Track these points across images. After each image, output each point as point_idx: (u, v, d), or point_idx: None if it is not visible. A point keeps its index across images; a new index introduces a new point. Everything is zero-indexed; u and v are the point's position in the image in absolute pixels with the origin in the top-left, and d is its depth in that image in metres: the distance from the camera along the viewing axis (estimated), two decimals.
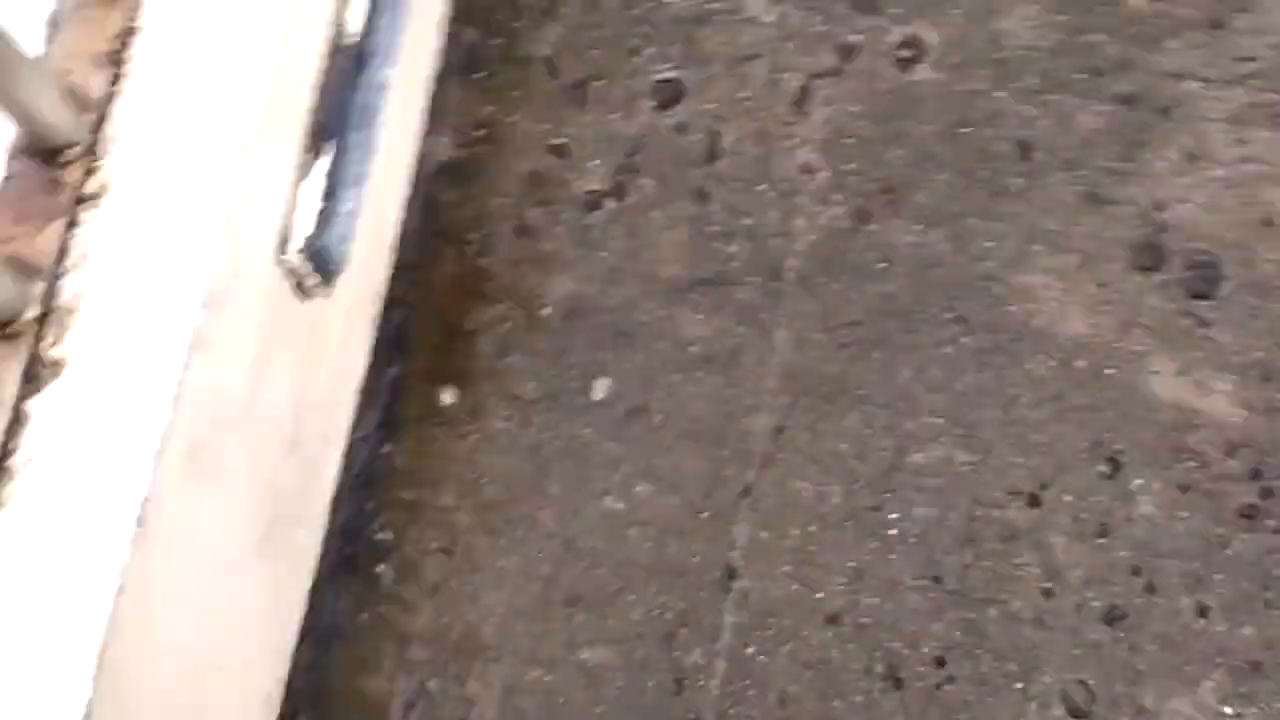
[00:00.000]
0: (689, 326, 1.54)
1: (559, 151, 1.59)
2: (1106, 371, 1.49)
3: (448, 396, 1.55)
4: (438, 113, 1.62)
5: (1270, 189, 1.51)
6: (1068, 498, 1.45)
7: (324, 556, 1.50)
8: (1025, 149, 1.55)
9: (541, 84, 1.63)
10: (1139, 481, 1.45)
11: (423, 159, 1.61)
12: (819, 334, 1.53)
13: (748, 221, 1.56)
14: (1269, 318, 1.49)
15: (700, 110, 1.60)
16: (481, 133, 1.61)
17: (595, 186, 1.58)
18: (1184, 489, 1.44)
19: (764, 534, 1.49)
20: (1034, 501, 1.45)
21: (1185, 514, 1.44)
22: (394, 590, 1.51)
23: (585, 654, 1.48)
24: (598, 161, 1.59)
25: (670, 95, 1.60)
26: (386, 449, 1.54)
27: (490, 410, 1.55)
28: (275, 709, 1.44)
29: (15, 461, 0.99)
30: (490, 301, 1.57)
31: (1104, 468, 1.46)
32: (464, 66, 1.63)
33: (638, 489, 1.51)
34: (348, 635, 1.49)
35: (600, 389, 1.54)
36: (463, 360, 1.57)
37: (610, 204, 1.57)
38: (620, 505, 1.51)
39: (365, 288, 1.55)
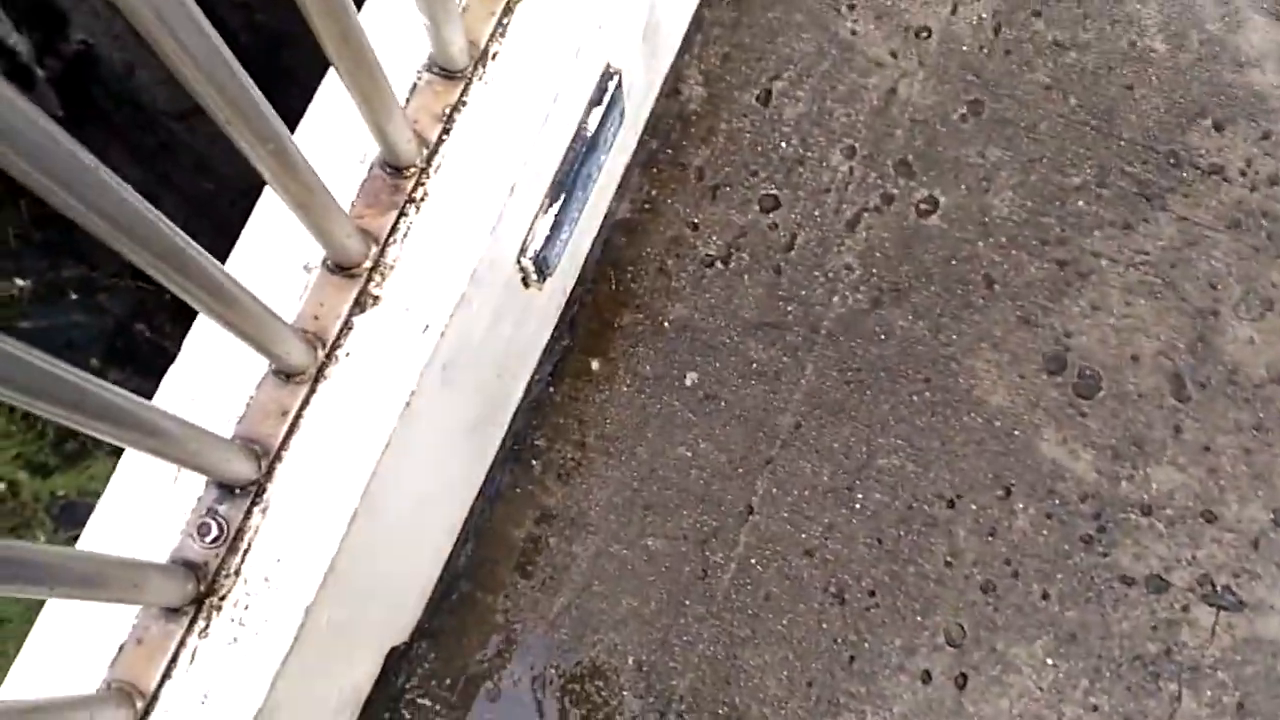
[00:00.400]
0: (752, 351, 1.64)
1: (693, 227, 1.70)
2: (1014, 431, 1.60)
3: (595, 364, 1.65)
4: (623, 187, 1.71)
5: (1141, 338, 1.62)
6: (973, 507, 1.58)
7: (501, 446, 1.61)
8: (989, 281, 1.66)
9: (691, 182, 1.71)
10: (1020, 505, 1.57)
11: (609, 214, 1.69)
12: (834, 372, 1.63)
13: (803, 293, 1.66)
14: (1124, 419, 1.59)
15: (787, 217, 1.69)
16: (648, 205, 1.71)
17: (712, 253, 1.68)
18: (1049, 516, 1.57)
19: (775, 490, 1.60)
20: (950, 505, 1.58)
21: (1046, 532, 1.57)
22: (539, 477, 1.61)
23: (649, 541, 1.59)
24: (716, 237, 1.69)
25: (770, 204, 1.70)
26: (551, 389, 1.65)
27: (620, 378, 1.64)
28: (454, 536, 1.57)
29: (340, 353, 1.10)
30: (632, 310, 1.66)
31: (1000, 492, 1.58)
32: (645, 163, 1.72)
33: (701, 446, 1.61)
34: (506, 499, 1.60)
35: (690, 379, 1.64)
36: (608, 344, 1.66)
37: (719, 265, 1.67)
38: (688, 454, 1.61)
39: (559, 287, 1.61)
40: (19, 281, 3.74)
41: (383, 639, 1.45)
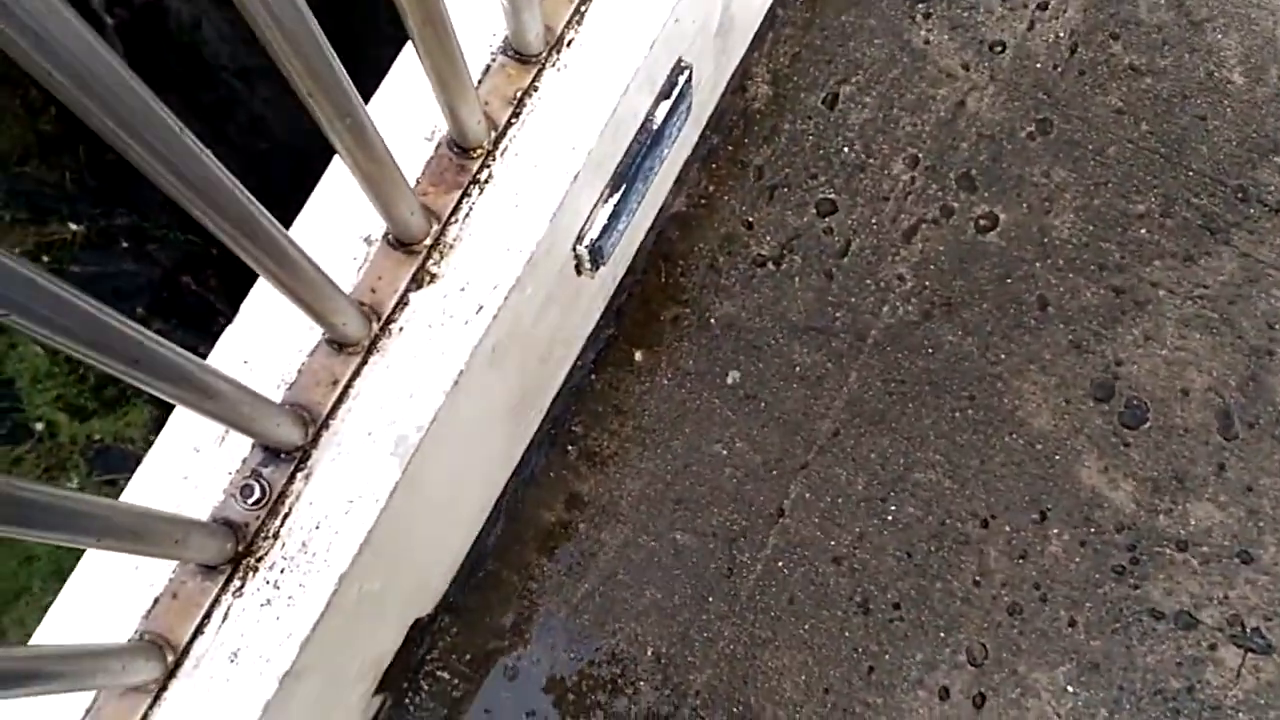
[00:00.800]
0: (797, 354, 1.64)
1: (747, 225, 1.69)
2: (1055, 456, 1.59)
3: (638, 355, 1.65)
4: (681, 181, 1.70)
5: (1193, 372, 1.60)
6: (1007, 528, 1.57)
7: (539, 429, 1.61)
8: (1043, 303, 1.64)
9: (749, 180, 1.71)
10: (1055, 531, 1.56)
11: (664, 206, 1.69)
12: (878, 382, 1.62)
13: (853, 300, 1.65)
14: (1168, 453, 1.57)
15: (843, 223, 1.68)
16: (704, 201, 1.70)
17: (764, 253, 1.68)
18: (1083, 544, 1.56)
19: (808, 495, 1.59)
20: (984, 525, 1.57)
21: (1078, 560, 1.55)
22: (574, 463, 1.62)
23: (677, 535, 1.59)
24: (770, 238, 1.68)
25: (827, 208, 1.69)
26: (593, 377, 1.65)
27: (661, 371, 1.64)
28: (485, 515, 1.58)
29: (394, 327, 1.11)
30: (679, 305, 1.66)
31: (1035, 516, 1.57)
32: (704, 157, 1.71)
33: (737, 445, 1.61)
34: (539, 482, 1.61)
35: (732, 378, 1.63)
36: (653, 336, 1.66)
37: (771, 266, 1.67)
38: (724, 451, 1.61)
39: (609, 276, 1.61)
40: (72, 226, 3.80)
41: (408, 610, 1.46)
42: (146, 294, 3.48)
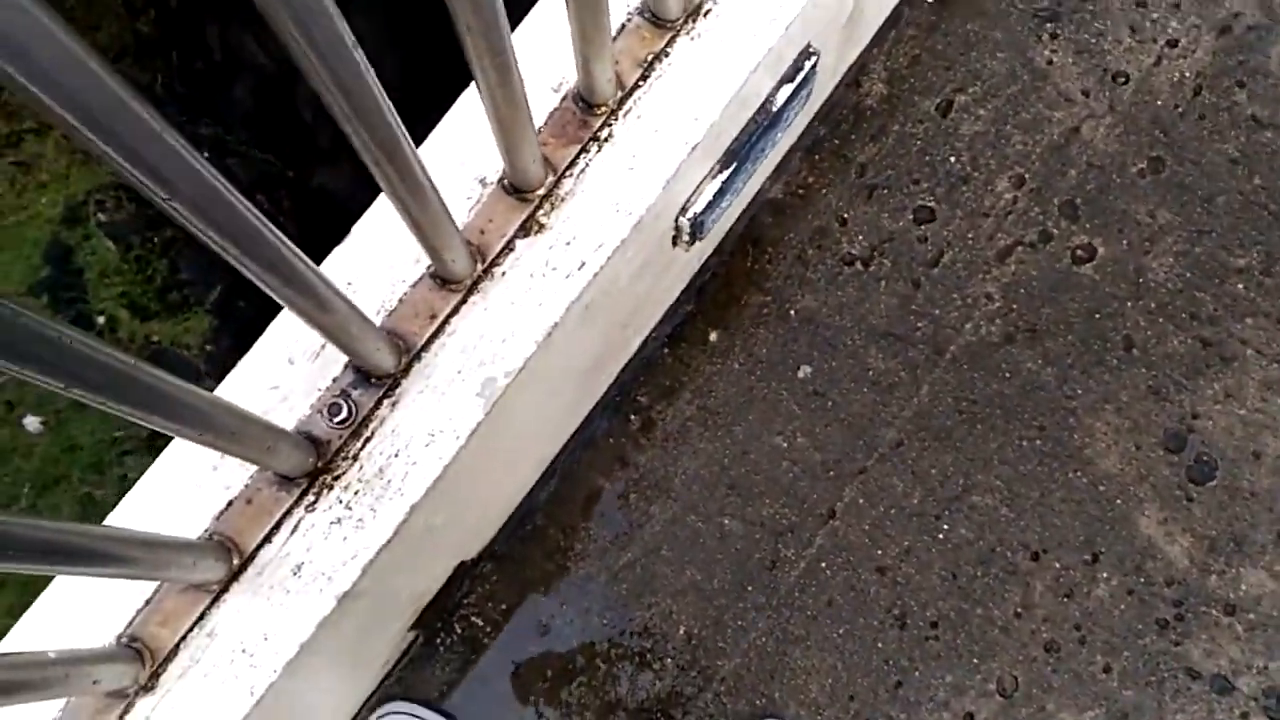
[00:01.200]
0: (871, 358, 1.64)
1: (841, 222, 1.69)
2: (1116, 500, 1.59)
3: (713, 335, 1.66)
4: (781, 168, 1.70)
5: (1268, 437, 1.59)
6: (1056, 565, 1.57)
7: (605, 393, 1.62)
8: (1129, 344, 1.64)
9: (850, 177, 1.70)
10: (1104, 575, 1.56)
11: (761, 191, 1.68)
12: (949, 398, 1.63)
13: (937, 312, 1.65)
14: (1230, 514, 1.57)
15: (939, 233, 1.68)
16: (801, 190, 1.71)
17: (854, 252, 1.68)
18: (1130, 592, 1.56)
19: (861, 501, 1.60)
20: (1034, 558, 1.58)
21: (1124, 607, 1.56)
22: (634, 433, 1.63)
23: (725, 521, 1.60)
24: (862, 238, 1.68)
25: (924, 216, 1.69)
26: (665, 350, 1.66)
27: (734, 355, 1.65)
28: (541, 470, 1.60)
29: (497, 270, 1.13)
30: (761, 292, 1.67)
31: (1087, 556, 1.57)
32: (809, 148, 1.71)
33: (798, 440, 1.62)
34: (598, 446, 1.63)
35: (803, 372, 1.64)
36: (731, 317, 1.67)
37: (859, 266, 1.67)
38: (784, 444, 1.62)
39: (698, 253, 1.60)
40: None
41: (457, 551, 1.49)
42: None
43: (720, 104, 1.20)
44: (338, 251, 1.13)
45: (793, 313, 1.69)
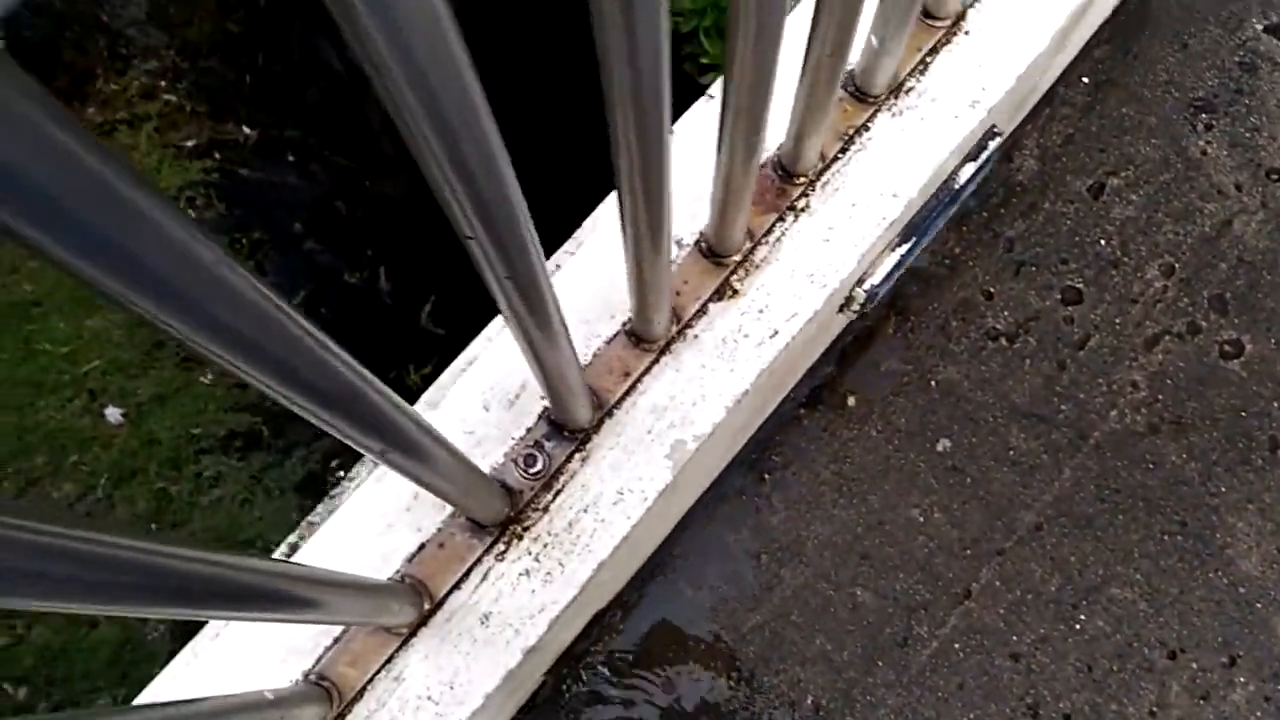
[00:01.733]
0: (1014, 437, 1.64)
1: (987, 295, 1.70)
2: (1257, 604, 1.57)
3: (851, 400, 1.66)
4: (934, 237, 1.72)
5: None
6: (1194, 665, 1.55)
7: (741, 450, 1.62)
8: (1275, 444, 1.63)
9: (998, 251, 1.71)
10: (1242, 679, 1.54)
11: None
12: (1091, 485, 1.62)
13: (1081, 396, 1.65)
14: None
15: (1086, 316, 1.68)
16: (948, 260, 1.72)
17: (999, 327, 1.68)
18: (1267, 699, 1.53)
19: (998, 583, 1.59)
20: (1172, 656, 1.56)
21: (1259, 714, 1.53)
22: (768, 493, 1.62)
23: (857, 591, 1.59)
24: (1008, 313, 1.68)
25: (1072, 297, 1.69)
26: (802, 411, 1.66)
27: (872, 422, 1.65)
28: (673, 523, 1.58)
29: (690, 333, 1.14)
30: (903, 360, 1.67)
31: (1225, 659, 1.55)
32: (958, 219, 1.72)
33: (935, 515, 1.62)
34: (731, 502, 1.61)
35: (942, 445, 1.64)
36: (870, 384, 1.67)
37: (1003, 342, 1.67)
38: (920, 518, 1.62)
39: (844, 317, 1.55)
40: (245, 130, 3.91)
41: (599, 602, 1.49)
42: (306, 208, 3.58)
43: (919, 183, 1.22)
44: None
45: (934, 383, 1.68)
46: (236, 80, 4.16)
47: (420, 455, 0.81)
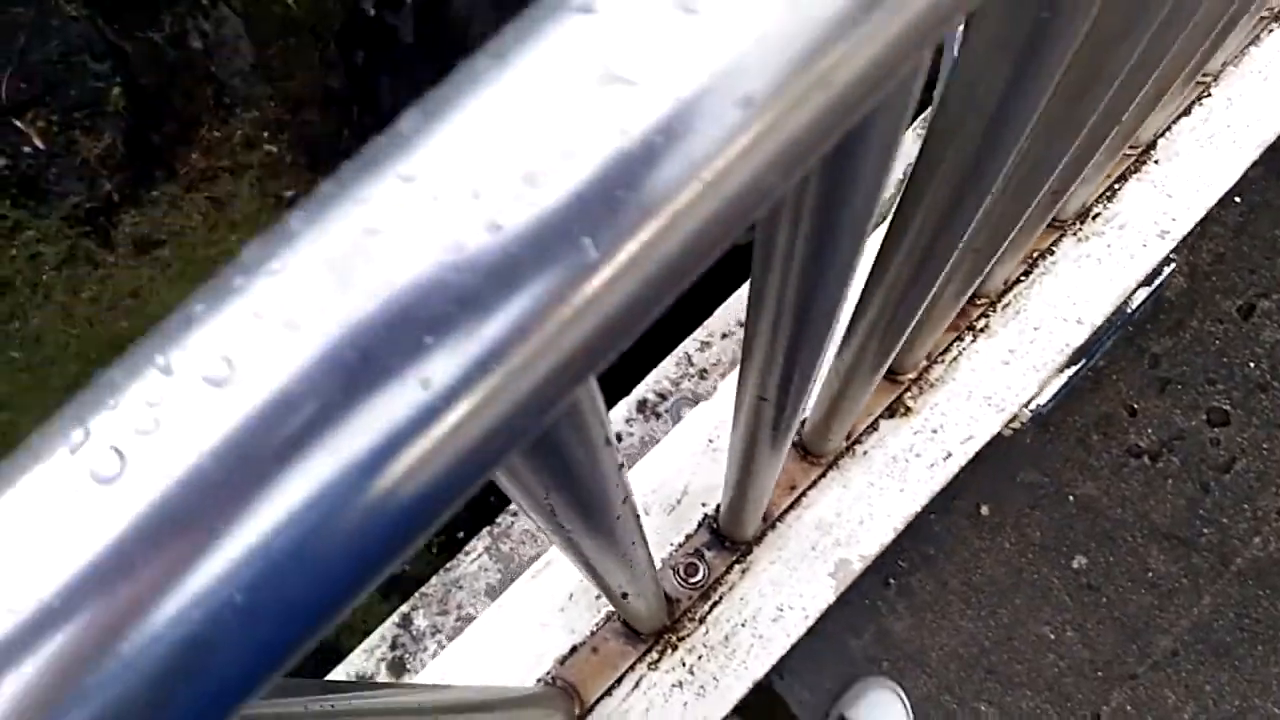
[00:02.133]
0: (1153, 559, 1.59)
1: (1131, 412, 1.66)
2: None
3: (985, 510, 1.63)
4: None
5: None
6: None
7: None
8: None
9: (1143, 367, 1.68)
10: None
11: None
12: (1231, 613, 1.56)
13: (1224, 520, 1.60)
14: None
15: (1233, 438, 1.64)
16: (1091, 374, 1.67)
17: (1142, 445, 1.65)
18: None
19: (1129, 708, 1.53)
20: None
21: None
22: (892, 598, 1.60)
23: (981, 706, 1.55)
24: (1151, 431, 1.65)
25: (1219, 419, 1.65)
26: (932, 517, 1.64)
27: (1005, 534, 1.61)
28: None
29: (859, 448, 1.11)
30: (1040, 471, 1.63)
31: None
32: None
33: (1067, 633, 1.57)
34: (853, 605, 1.59)
35: (1078, 562, 1.60)
36: (1004, 494, 1.63)
37: (1145, 460, 1.63)
38: (1051, 635, 1.57)
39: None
40: None
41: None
42: None
43: (1104, 310, 1.20)
44: (703, 407, 1.14)
45: (1071, 498, 1.64)
46: (334, 134, 4.27)
47: (614, 539, 0.80)
